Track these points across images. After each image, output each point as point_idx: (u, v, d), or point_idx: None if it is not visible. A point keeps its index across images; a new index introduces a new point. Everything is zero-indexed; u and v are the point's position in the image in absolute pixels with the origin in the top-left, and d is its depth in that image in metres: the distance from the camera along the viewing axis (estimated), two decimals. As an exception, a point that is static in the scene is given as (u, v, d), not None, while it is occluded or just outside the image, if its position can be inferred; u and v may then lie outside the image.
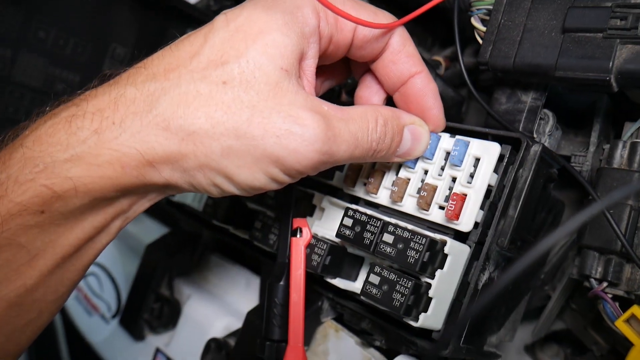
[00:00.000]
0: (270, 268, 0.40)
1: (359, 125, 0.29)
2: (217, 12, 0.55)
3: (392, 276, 0.29)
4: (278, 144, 0.26)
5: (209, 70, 0.27)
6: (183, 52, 0.28)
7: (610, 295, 0.30)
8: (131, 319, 0.48)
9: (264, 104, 0.26)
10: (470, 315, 0.29)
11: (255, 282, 0.45)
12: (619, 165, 0.31)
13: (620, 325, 0.26)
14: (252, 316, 0.38)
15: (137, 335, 0.48)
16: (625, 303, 0.30)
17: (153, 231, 0.54)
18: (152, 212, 0.57)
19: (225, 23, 0.28)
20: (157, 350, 0.46)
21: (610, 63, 0.28)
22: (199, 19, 0.54)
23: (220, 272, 0.47)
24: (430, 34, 0.59)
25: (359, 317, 0.35)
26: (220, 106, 0.26)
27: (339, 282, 0.34)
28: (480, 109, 0.50)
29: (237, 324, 0.42)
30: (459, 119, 0.45)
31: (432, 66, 0.44)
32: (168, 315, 0.46)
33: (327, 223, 0.36)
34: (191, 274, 0.49)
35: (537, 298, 0.42)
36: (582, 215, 0.20)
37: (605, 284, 0.30)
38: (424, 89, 0.32)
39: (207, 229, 0.46)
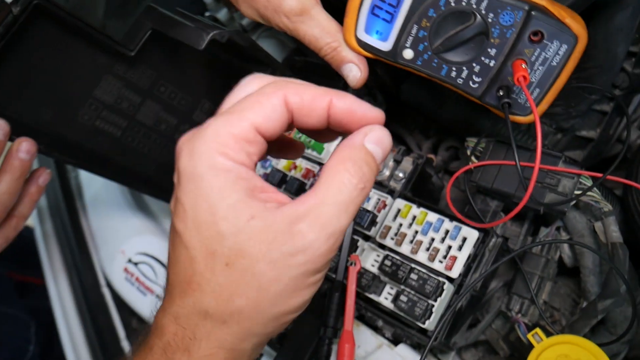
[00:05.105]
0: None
1: (335, 191, 0.30)
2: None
3: (415, 299, 0.52)
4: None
5: (210, 261, 0.30)
6: (180, 276, 0.31)
7: (522, 321, 0.55)
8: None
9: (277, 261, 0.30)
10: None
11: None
12: (536, 252, 0.56)
13: (530, 337, 0.51)
14: (306, 310, 0.59)
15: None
16: (527, 328, 0.55)
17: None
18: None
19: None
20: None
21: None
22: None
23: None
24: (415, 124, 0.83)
25: (376, 319, 0.58)
26: (244, 287, 0.30)
27: (373, 296, 0.56)
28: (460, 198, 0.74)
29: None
30: (438, 199, 0.69)
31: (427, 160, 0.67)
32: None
33: (366, 258, 0.58)
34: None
35: (471, 320, 0.67)
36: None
37: (520, 315, 0.56)
38: (347, 106, 0.33)
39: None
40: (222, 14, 0.93)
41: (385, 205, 0.60)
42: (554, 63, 0.44)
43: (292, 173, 0.67)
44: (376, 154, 0.32)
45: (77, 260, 0.81)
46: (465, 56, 0.45)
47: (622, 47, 0.59)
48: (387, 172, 0.63)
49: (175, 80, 0.66)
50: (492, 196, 0.58)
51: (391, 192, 0.61)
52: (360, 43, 0.48)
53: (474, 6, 0.42)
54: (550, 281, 0.58)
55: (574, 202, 0.54)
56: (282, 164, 0.68)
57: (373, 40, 0.47)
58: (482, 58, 0.44)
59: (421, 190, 0.63)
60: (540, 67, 0.44)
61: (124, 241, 0.78)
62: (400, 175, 0.62)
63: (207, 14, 0.95)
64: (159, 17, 0.57)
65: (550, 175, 0.53)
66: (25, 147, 0.52)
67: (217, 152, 0.29)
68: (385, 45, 0.47)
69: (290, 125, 0.34)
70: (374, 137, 0.32)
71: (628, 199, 0.56)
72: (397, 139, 0.79)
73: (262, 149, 0.32)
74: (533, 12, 0.42)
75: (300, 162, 0.67)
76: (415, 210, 0.58)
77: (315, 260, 0.30)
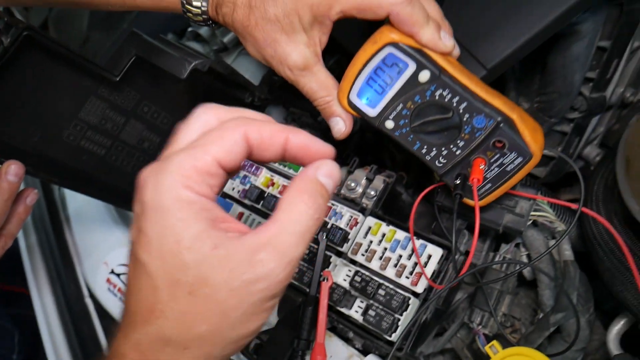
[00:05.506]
0: (295, 298, 0.65)
1: (296, 220, 0.32)
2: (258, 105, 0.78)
3: (383, 313, 0.56)
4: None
5: (174, 290, 0.30)
6: (142, 304, 0.31)
7: (482, 333, 0.59)
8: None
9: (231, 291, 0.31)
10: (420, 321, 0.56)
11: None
12: (496, 267, 0.60)
13: (487, 349, 0.55)
14: (281, 322, 0.63)
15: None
16: (487, 338, 0.59)
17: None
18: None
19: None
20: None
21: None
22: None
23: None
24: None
25: (347, 330, 0.61)
26: (203, 314, 0.31)
27: (344, 310, 0.60)
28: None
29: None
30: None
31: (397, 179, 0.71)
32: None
33: (338, 273, 0.62)
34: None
35: (439, 329, 0.71)
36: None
37: (480, 327, 0.60)
38: (302, 142, 0.35)
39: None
40: (204, 30, 0.96)
41: (357, 223, 0.64)
42: (508, 169, 0.50)
43: (270, 190, 0.70)
44: (328, 185, 0.35)
45: (61, 271, 0.84)
46: (437, 140, 0.51)
47: (578, 74, 0.64)
48: (359, 190, 0.67)
49: (158, 101, 0.69)
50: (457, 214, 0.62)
51: (363, 210, 0.65)
52: (351, 104, 0.52)
53: (454, 105, 0.48)
54: (510, 294, 0.62)
55: (530, 221, 0.58)
56: (260, 180, 0.72)
57: (362, 105, 0.52)
58: (451, 146, 0.50)
59: (391, 208, 0.67)
60: (496, 168, 0.50)
61: (107, 253, 0.80)
62: (372, 193, 0.65)
63: (190, 29, 0.98)
64: (142, 44, 0.60)
65: (509, 197, 0.57)
66: (13, 170, 0.54)
67: (182, 185, 0.31)
68: (372, 112, 0.52)
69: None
70: (325, 171, 0.35)
71: (584, 220, 0.60)
72: (371, 155, 0.83)
73: (223, 181, 0.34)
74: (501, 125, 0.48)
75: (278, 179, 0.71)
76: (385, 228, 0.61)
77: (274, 286, 0.31)
